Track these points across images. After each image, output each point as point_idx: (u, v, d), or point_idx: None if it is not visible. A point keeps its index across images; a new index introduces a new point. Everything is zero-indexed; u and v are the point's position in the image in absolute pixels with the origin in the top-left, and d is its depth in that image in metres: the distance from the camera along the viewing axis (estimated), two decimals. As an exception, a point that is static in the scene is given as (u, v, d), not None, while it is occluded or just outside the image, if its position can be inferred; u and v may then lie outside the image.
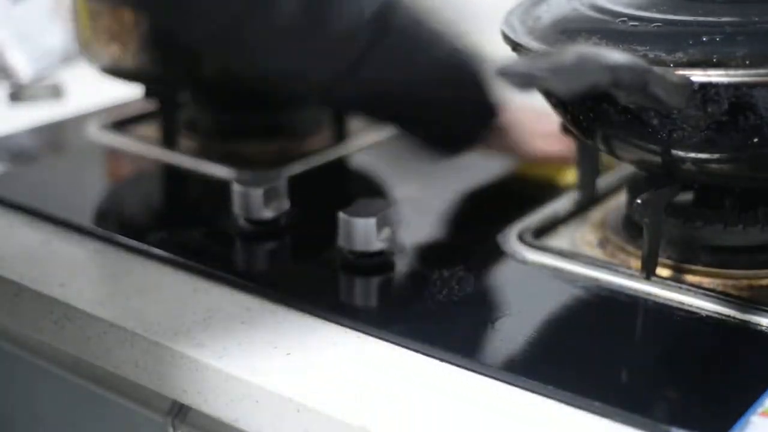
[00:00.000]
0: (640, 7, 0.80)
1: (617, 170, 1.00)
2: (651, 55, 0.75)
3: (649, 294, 0.81)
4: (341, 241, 0.86)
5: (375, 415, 0.69)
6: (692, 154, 0.78)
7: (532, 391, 0.70)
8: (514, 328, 0.78)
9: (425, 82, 0.93)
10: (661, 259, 0.83)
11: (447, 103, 0.95)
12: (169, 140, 1.13)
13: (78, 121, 1.22)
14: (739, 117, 0.74)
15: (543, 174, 1.04)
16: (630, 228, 0.89)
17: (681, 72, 0.73)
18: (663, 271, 0.84)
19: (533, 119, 1.01)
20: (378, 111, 0.98)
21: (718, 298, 0.79)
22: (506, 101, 0.97)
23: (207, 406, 0.76)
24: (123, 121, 1.21)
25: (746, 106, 0.73)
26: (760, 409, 0.67)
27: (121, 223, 1.01)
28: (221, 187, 0.96)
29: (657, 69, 0.70)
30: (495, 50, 0.87)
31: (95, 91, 1.28)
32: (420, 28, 0.94)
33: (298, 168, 1.07)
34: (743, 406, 0.67)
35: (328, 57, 0.89)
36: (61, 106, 1.30)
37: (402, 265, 0.88)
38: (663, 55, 0.74)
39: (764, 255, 0.84)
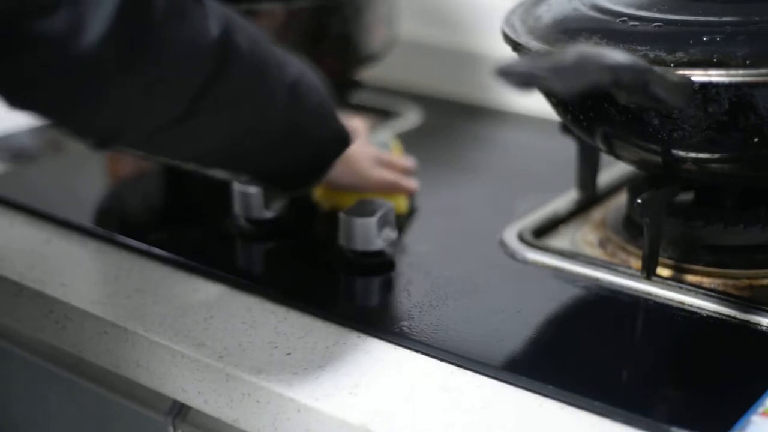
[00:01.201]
0: (640, 7, 0.80)
1: (617, 170, 1.00)
2: (651, 54, 0.75)
3: (650, 294, 0.81)
4: (341, 241, 0.86)
5: (375, 415, 0.69)
6: (692, 154, 0.78)
7: (532, 391, 0.70)
8: (514, 328, 0.78)
9: (266, 120, 0.80)
10: (661, 259, 0.83)
11: (291, 141, 0.83)
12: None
13: (78, 120, 1.22)
14: (740, 117, 0.74)
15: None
16: (630, 228, 0.89)
17: (681, 72, 0.73)
18: (663, 271, 0.84)
19: (365, 148, 0.96)
20: (216, 155, 0.81)
21: (719, 298, 0.79)
22: (352, 132, 0.89)
23: (207, 406, 0.76)
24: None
25: (747, 106, 0.73)
26: (760, 409, 0.67)
27: (121, 223, 1.01)
28: (221, 187, 0.95)
29: (657, 69, 0.70)
30: (495, 50, 0.87)
31: (96, 90, 1.28)
32: (254, 60, 0.77)
33: (298, 168, 1.07)
34: (743, 406, 0.67)
35: (153, 103, 0.71)
36: (62, 105, 1.30)
37: (402, 265, 0.88)
38: (663, 55, 0.74)
39: (764, 255, 0.84)
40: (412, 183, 0.98)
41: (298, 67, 0.83)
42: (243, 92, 0.76)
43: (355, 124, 0.98)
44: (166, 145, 0.77)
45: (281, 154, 0.83)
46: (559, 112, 0.87)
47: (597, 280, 0.84)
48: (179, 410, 0.83)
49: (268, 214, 0.92)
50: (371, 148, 0.98)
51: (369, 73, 1.23)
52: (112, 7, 0.65)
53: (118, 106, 0.70)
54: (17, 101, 0.69)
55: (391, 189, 0.96)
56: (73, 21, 0.64)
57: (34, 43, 0.64)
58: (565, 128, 0.93)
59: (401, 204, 0.97)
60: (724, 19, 0.76)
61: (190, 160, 0.82)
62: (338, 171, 0.89)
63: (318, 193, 0.97)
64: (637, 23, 0.79)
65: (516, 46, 0.83)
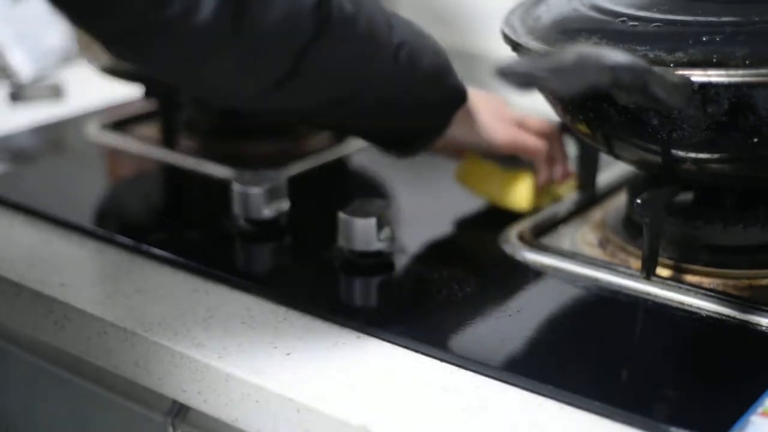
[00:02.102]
0: (640, 7, 0.80)
1: (617, 170, 1.00)
2: (651, 55, 0.75)
3: (649, 294, 0.81)
4: (341, 241, 0.86)
5: (375, 415, 0.69)
6: (692, 154, 0.78)
7: (532, 391, 0.70)
8: (514, 328, 0.78)
9: (372, 83, 0.84)
10: (661, 259, 0.83)
11: (400, 102, 0.86)
12: (169, 140, 1.13)
13: (78, 121, 1.22)
14: (739, 117, 0.74)
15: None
16: (630, 228, 0.89)
17: (681, 72, 0.73)
18: (663, 271, 0.84)
19: (492, 104, 0.94)
20: (323, 117, 0.88)
21: (718, 298, 0.79)
22: (465, 88, 0.89)
23: (207, 406, 0.76)
24: (123, 121, 1.21)
25: (746, 106, 0.73)
26: (760, 409, 0.67)
27: (121, 223, 1.01)
28: (221, 187, 0.95)
29: (657, 69, 0.70)
30: (495, 50, 0.87)
31: (95, 91, 1.28)
32: (358, 22, 0.80)
33: (298, 168, 1.07)
34: (743, 406, 0.67)
35: (256, 67, 0.79)
36: (61, 106, 1.30)
37: (402, 265, 0.88)
38: (663, 55, 0.74)
39: (764, 255, 0.84)
40: (558, 158, 0.95)
41: (408, 27, 0.85)
42: (346, 54, 0.80)
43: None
44: (274, 101, 0.83)
45: (390, 115, 0.86)
46: (558, 112, 0.87)
47: (596, 280, 0.84)
48: (179, 410, 0.83)
49: (268, 214, 0.92)
50: (500, 101, 0.95)
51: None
52: None
53: (229, 67, 0.77)
54: (147, 67, 0.84)
55: (523, 150, 0.93)
56: (187, 5, 0.72)
57: (160, 26, 0.73)
58: (564, 128, 0.93)
59: (523, 193, 0.93)
60: (724, 19, 0.76)
61: (297, 116, 0.89)
62: (456, 129, 0.90)
63: (457, 174, 0.97)
64: (636, 23, 0.79)
65: (516, 46, 0.83)
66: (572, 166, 0.98)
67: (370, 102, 0.85)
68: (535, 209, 0.94)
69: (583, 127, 0.84)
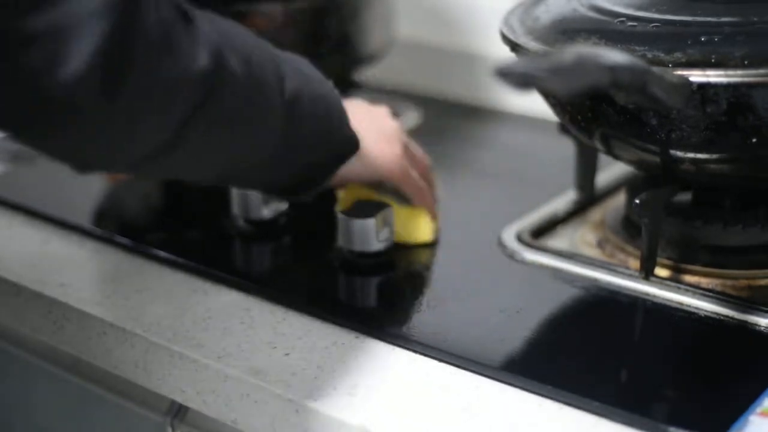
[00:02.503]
0: (639, 8, 0.80)
1: (616, 170, 1.00)
2: (650, 55, 0.75)
3: (648, 294, 0.81)
4: (341, 241, 0.87)
5: (374, 415, 0.69)
6: (691, 154, 0.78)
7: (532, 391, 0.70)
8: (513, 328, 0.79)
9: (259, 147, 0.77)
10: (660, 259, 0.83)
11: (289, 160, 0.79)
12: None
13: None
14: (738, 117, 0.74)
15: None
16: (629, 228, 0.89)
17: (680, 72, 0.73)
18: (662, 271, 0.84)
19: (377, 123, 0.88)
20: (204, 180, 0.81)
21: (717, 299, 0.79)
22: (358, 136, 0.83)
23: (206, 407, 0.76)
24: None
25: (745, 106, 0.73)
26: (759, 409, 0.67)
27: (121, 223, 1.01)
28: (221, 187, 0.95)
29: (656, 69, 0.70)
30: (494, 51, 0.87)
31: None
32: (247, 82, 0.72)
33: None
34: (742, 406, 0.67)
35: (129, 137, 0.67)
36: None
37: (400, 266, 0.88)
38: (662, 56, 0.74)
39: (763, 255, 0.84)
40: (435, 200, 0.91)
41: (300, 75, 0.78)
42: (234, 117, 0.72)
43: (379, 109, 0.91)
44: (156, 170, 0.76)
45: (283, 169, 0.80)
46: (557, 113, 0.88)
47: (595, 280, 0.84)
48: (178, 411, 0.83)
49: (268, 214, 0.92)
50: (382, 115, 0.90)
51: (367, 74, 1.23)
52: (94, 41, 0.61)
53: (99, 137, 0.67)
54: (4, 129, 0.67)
55: (410, 189, 0.88)
56: (52, 53, 0.61)
57: (13, 73, 0.62)
58: (563, 128, 0.93)
59: (425, 227, 0.90)
60: (723, 19, 0.76)
61: (185, 180, 0.80)
62: (345, 167, 0.84)
63: (342, 206, 0.89)
64: (635, 24, 0.79)
65: (514, 46, 0.83)
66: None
67: (261, 159, 0.78)
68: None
69: (581, 128, 0.84)
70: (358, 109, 0.87)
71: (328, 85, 0.82)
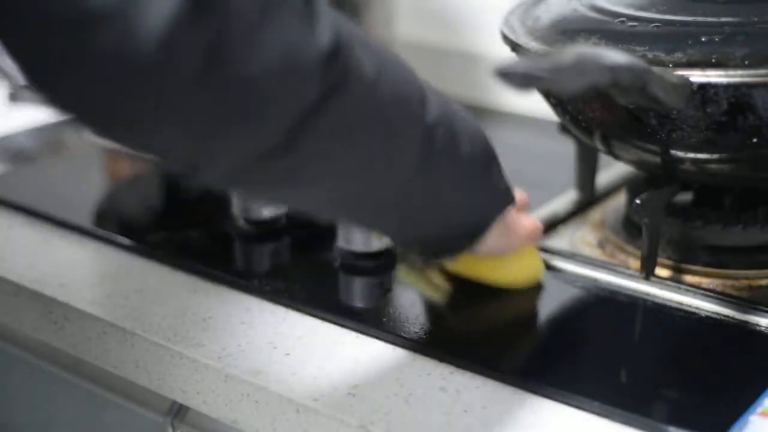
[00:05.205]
0: (639, 8, 0.80)
1: (616, 170, 1.00)
2: (650, 55, 0.75)
3: (648, 294, 0.81)
4: (341, 242, 0.87)
5: (375, 415, 0.69)
6: (691, 154, 0.78)
7: (532, 391, 0.70)
8: (512, 329, 0.79)
9: (392, 175, 0.63)
10: (660, 259, 0.83)
11: (428, 202, 0.66)
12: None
13: (77, 121, 1.22)
14: (738, 117, 0.74)
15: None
16: (629, 228, 0.89)
17: (680, 72, 0.73)
18: (662, 272, 0.84)
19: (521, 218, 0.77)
20: (314, 210, 0.68)
21: (718, 299, 0.79)
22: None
23: (206, 407, 0.76)
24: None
25: (745, 106, 0.73)
26: (759, 409, 0.67)
27: (121, 224, 1.01)
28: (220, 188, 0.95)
29: (656, 69, 0.70)
30: (494, 51, 0.87)
31: (95, 91, 1.28)
32: (381, 88, 0.60)
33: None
34: (742, 405, 0.67)
35: (230, 133, 0.55)
36: (61, 106, 1.30)
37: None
38: (662, 56, 0.74)
39: (764, 255, 0.84)
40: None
41: (445, 104, 0.65)
42: (363, 129, 0.58)
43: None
44: (258, 186, 0.61)
45: (416, 214, 0.66)
46: (557, 113, 0.88)
47: (596, 280, 0.84)
48: (178, 411, 0.83)
49: (268, 214, 0.92)
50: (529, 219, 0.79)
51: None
52: (170, 4, 0.49)
53: (182, 127, 0.54)
54: (84, 122, 0.57)
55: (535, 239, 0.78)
56: (124, 24, 0.49)
57: (90, 55, 0.51)
58: (563, 128, 0.93)
59: (537, 265, 0.82)
60: (723, 19, 0.76)
61: (293, 207, 0.66)
62: (492, 238, 0.71)
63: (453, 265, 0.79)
64: (635, 24, 0.79)
65: (515, 46, 0.83)
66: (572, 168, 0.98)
67: (387, 200, 0.64)
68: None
69: (581, 128, 0.84)
70: None
71: (476, 126, 0.69)
